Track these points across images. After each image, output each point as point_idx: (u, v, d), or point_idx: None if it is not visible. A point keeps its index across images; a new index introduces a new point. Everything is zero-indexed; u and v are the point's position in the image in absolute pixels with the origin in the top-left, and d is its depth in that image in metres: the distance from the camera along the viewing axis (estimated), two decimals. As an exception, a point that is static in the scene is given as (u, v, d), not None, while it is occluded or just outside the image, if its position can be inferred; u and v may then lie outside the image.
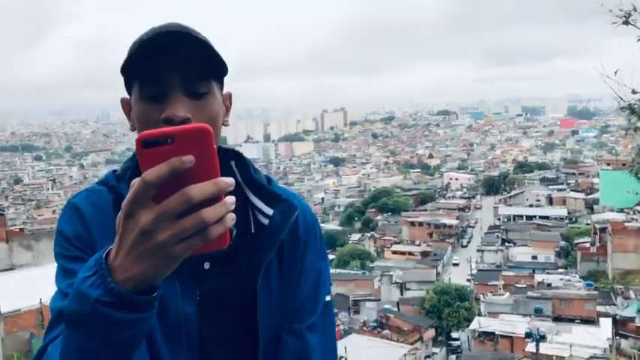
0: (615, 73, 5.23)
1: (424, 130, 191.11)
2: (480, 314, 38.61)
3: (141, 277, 0.72)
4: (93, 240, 1.04)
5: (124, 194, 0.86)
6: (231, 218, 0.71)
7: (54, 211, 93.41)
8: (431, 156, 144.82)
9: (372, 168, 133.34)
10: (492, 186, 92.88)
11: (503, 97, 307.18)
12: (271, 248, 1.14)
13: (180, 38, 0.99)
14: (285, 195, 1.19)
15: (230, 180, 0.71)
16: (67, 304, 0.79)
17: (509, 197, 78.15)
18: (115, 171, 1.16)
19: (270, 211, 1.15)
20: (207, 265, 1.10)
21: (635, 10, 4.95)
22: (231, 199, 0.72)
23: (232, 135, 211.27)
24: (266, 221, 1.15)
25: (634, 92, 5.27)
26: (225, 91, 1.12)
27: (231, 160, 1.18)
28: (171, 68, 1.00)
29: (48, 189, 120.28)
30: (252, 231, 1.15)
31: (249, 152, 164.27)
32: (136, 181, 0.70)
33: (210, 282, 1.09)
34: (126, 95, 1.10)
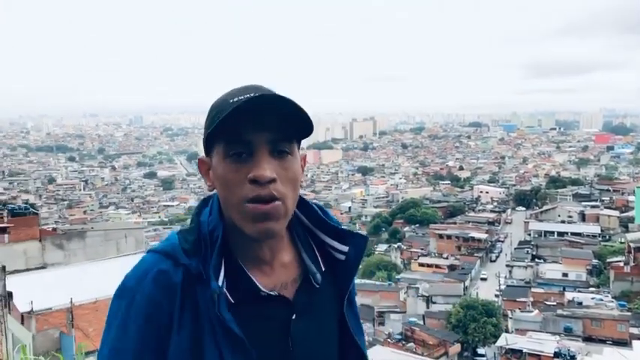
0: None
1: (455, 142, 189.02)
2: (507, 331, 37.91)
3: None
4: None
5: (194, 273, 1.07)
6: None
7: (85, 212, 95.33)
8: (461, 168, 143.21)
9: (400, 178, 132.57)
10: (523, 200, 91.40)
11: (537, 111, 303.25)
12: (350, 280, 1.23)
13: (273, 101, 1.03)
14: (353, 229, 1.28)
15: None
16: None
17: (541, 212, 76.85)
18: (180, 235, 1.13)
19: (345, 248, 1.21)
20: (294, 317, 1.15)
21: None
22: None
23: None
24: (342, 257, 1.22)
25: None
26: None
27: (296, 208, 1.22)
28: (260, 130, 1.03)
29: (80, 189, 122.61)
30: (322, 269, 1.22)
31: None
32: None
33: (301, 331, 1.15)
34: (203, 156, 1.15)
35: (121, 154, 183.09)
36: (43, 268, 22.48)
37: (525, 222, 74.10)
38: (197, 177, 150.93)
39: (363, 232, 1.31)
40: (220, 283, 1.08)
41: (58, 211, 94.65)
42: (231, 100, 1.04)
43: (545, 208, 78.30)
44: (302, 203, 1.23)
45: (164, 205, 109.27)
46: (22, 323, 15.66)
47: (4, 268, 13.25)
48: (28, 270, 21.69)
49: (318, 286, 1.19)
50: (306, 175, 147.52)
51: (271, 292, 1.14)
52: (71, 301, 17.68)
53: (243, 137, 1.04)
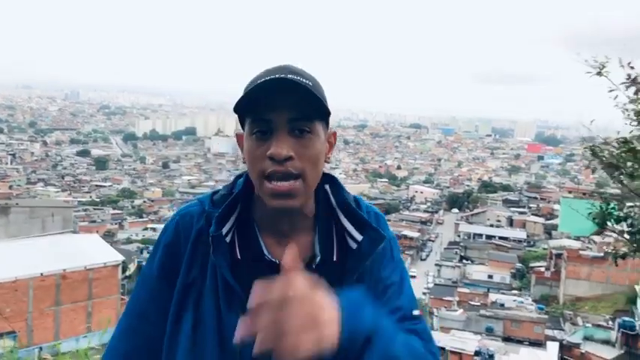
0: (591, 122, 5.42)
1: (395, 142, 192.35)
2: (432, 328, 38.84)
3: None
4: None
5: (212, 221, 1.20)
6: None
7: (10, 187, 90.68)
8: (399, 167, 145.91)
9: (340, 174, 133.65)
10: (456, 202, 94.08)
11: (475, 116, 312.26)
12: (354, 272, 1.20)
13: (289, 83, 1.10)
14: (375, 221, 1.27)
15: None
16: None
17: (471, 215, 79.15)
18: (214, 193, 1.29)
19: (359, 237, 1.21)
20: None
21: (607, 63, 5.09)
22: None
23: (202, 127, 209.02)
24: (354, 245, 1.22)
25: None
26: (330, 129, 1.23)
27: (326, 184, 1.28)
28: (278, 109, 1.11)
29: (7, 163, 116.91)
30: (335, 259, 1.22)
31: (219, 146, 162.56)
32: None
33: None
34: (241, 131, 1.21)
35: (54, 130, 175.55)
36: (-41, 243, 21.30)
37: (456, 223, 76.15)
38: (132, 158, 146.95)
39: (383, 226, 1.27)
40: (225, 232, 1.19)
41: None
42: (258, 81, 1.12)
43: (475, 211, 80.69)
44: (335, 184, 1.28)
45: (96, 185, 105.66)
46: None
47: None
48: (-58, 244, 20.50)
49: (314, 267, 1.19)
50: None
51: (273, 259, 1.20)
52: (-12, 279, 16.87)
53: (265, 116, 1.11)
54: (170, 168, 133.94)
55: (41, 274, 18.98)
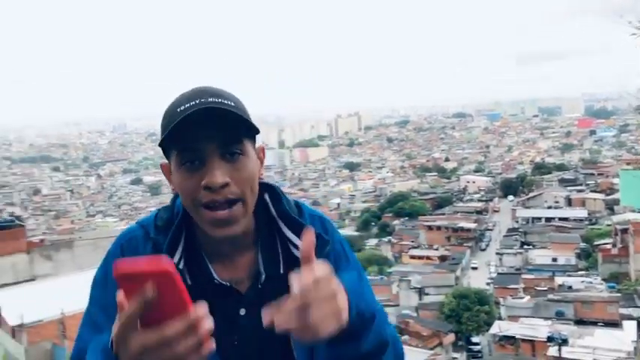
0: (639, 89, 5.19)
1: (440, 133, 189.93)
2: (500, 318, 38.27)
3: None
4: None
5: (160, 249, 1.14)
6: (208, 349, 0.80)
7: (72, 221, 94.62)
8: (447, 159, 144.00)
9: (387, 172, 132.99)
10: (510, 188, 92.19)
11: (519, 98, 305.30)
12: None
13: (213, 109, 1.06)
14: (320, 226, 1.26)
15: (200, 311, 0.81)
16: None
17: (528, 199, 77.47)
18: (157, 215, 1.23)
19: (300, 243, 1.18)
20: (242, 312, 1.18)
21: None
22: (205, 327, 0.80)
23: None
24: (299, 253, 1.14)
25: None
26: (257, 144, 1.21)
27: (265, 193, 1.24)
28: (207, 137, 1.07)
29: (66, 199, 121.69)
30: (281, 271, 1.19)
31: (266, 160, 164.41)
32: (121, 315, 0.78)
33: (248, 327, 1.16)
34: (164, 160, 1.19)
35: (106, 162, 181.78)
36: (32, 280, 22.30)
37: (513, 209, 74.74)
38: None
39: (328, 226, 1.27)
40: (176, 261, 1.15)
41: (45, 222, 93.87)
42: (178, 109, 1.08)
43: (531, 194, 78.94)
44: (274, 193, 1.25)
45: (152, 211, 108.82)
46: (13, 337, 15.55)
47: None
48: (17, 283, 21.50)
49: (260, 287, 1.19)
50: (293, 174, 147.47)
51: (224, 282, 1.18)
52: (62, 312, 17.58)
53: (193, 145, 1.08)
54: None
55: (110, 302, 19.60)
